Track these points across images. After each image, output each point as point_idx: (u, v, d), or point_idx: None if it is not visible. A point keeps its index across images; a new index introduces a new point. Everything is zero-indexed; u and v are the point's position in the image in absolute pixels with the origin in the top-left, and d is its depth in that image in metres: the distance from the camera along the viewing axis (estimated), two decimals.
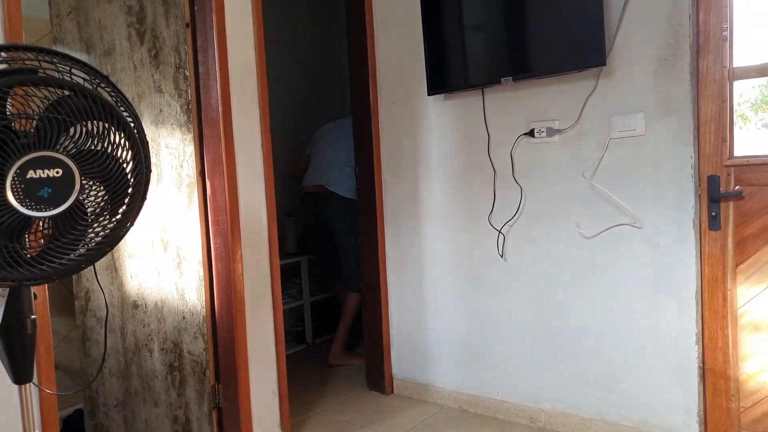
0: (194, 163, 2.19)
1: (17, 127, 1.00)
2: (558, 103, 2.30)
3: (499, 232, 2.48)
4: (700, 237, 2.00)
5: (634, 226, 2.14)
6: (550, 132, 2.31)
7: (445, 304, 2.70)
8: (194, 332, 2.25)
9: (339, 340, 3.40)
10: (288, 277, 3.70)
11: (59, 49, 2.35)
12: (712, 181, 1.94)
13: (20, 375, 1.16)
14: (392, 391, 2.92)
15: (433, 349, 2.76)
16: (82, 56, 2.33)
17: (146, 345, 2.35)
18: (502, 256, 2.49)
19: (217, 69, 2.12)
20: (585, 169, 2.24)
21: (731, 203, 1.94)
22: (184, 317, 2.27)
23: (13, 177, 0.97)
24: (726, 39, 1.93)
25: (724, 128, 1.94)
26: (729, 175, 1.94)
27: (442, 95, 2.62)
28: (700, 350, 2.03)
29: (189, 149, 2.19)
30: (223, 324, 2.23)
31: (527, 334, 2.45)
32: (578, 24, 2.12)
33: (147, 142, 1.18)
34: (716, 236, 1.95)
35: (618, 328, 2.21)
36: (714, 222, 1.95)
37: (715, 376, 1.99)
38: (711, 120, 1.95)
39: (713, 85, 1.94)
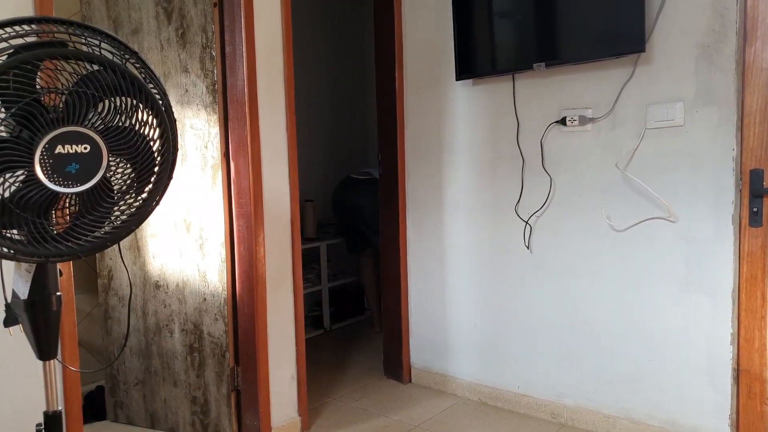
0: (219, 144, 2.16)
1: (46, 101, 0.98)
2: (592, 91, 2.23)
3: (526, 222, 2.43)
4: (739, 233, 1.93)
5: (668, 220, 2.07)
6: (583, 120, 2.24)
7: (466, 293, 2.66)
8: (215, 314, 2.24)
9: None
10: (307, 262, 3.69)
11: None
12: (755, 176, 1.86)
13: (45, 351, 1.15)
14: (410, 380, 2.89)
15: (453, 338, 2.72)
16: None
17: (167, 325, 2.35)
18: (528, 248, 2.43)
19: (244, 49, 2.08)
20: (618, 159, 2.17)
21: None
22: (205, 299, 2.26)
23: (42, 151, 0.95)
24: None
25: None
26: None
27: (470, 80, 2.56)
28: (735, 351, 1.96)
29: (214, 130, 2.16)
30: (243, 306, 2.22)
31: (551, 327, 2.40)
32: (616, 8, 2.04)
33: (174, 120, 1.16)
34: (757, 233, 1.88)
35: (647, 324, 2.15)
36: (755, 218, 1.87)
37: (751, 378, 1.93)
38: (756, 111, 1.87)
39: (760, 75, 1.86)
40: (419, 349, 2.86)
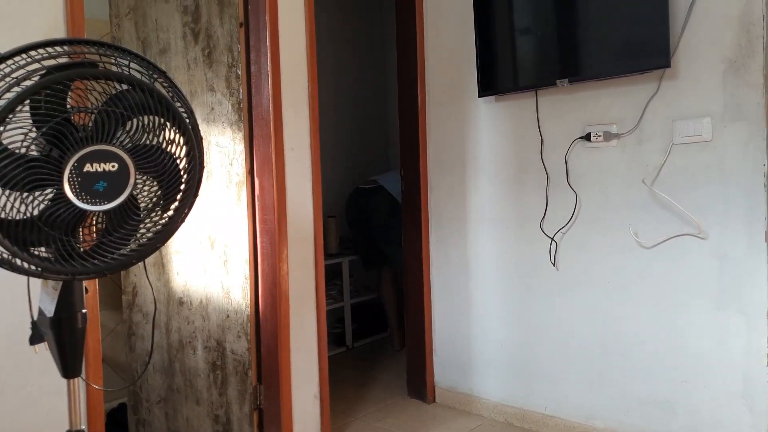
0: (244, 162, 2.18)
1: (76, 120, 1.00)
2: (617, 107, 2.20)
3: (552, 239, 2.39)
4: None
5: (698, 237, 2.02)
6: (608, 136, 2.21)
7: (491, 311, 2.62)
8: (238, 331, 2.24)
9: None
10: (329, 279, 3.69)
11: None
12: None
13: (69, 369, 1.16)
14: (434, 400, 2.85)
15: (478, 357, 2.68)
16: None
17: (190, 342, 2.36)
18: (554, 265, 2.39)
19: (269, 68, 2.11)
20: (645, 175, 2.13)
21: None
22: (228, 316, 2.27)
23: (71, 170, 0.97)
24: None
25: None
26: None
27: (492, 97, 2.55)
28: None
29: (239, 147, 2.19)
30: (266, 324, 2.22)
31: (579, 347, 2.34)
32: (640, 24, 2.02)
33: (201, 138, 1.17)
34: None
35: (679, 344, 2.09)
36: None
37: None
38: None
39: None
40: (444, 368, 2.82)
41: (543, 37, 2.33)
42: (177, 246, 2.38)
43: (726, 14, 1.93)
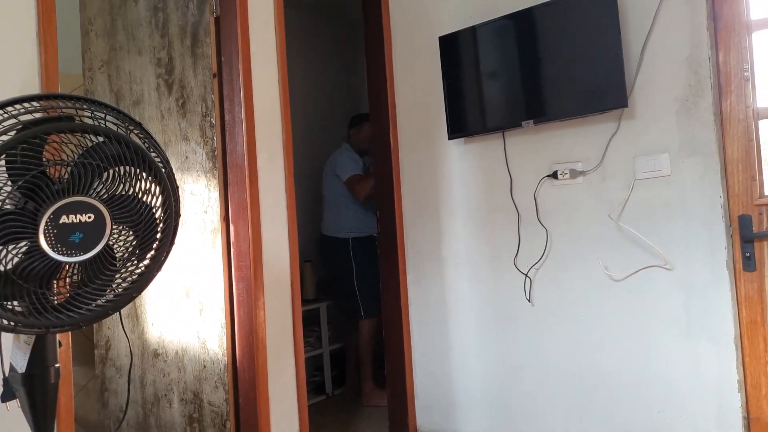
0: (218, 209, 2.20)
1: (52, 172, 1.01)
2: (580, 145, 2.29)
3: (526, 275, 2.43)
4: (735, 278, 1.94)
5: (665, 268, 2.09)
6: (574, 174, 2.29)
7: (471, 350, 2.63)
8: (215, 381, 2.21)
9: (367, 378, 3.41)
10: (307, 325, 3.64)
11: None
12: (744, 221, 1.90)
13: (41, 428, 1.13)
14: None
15: (460, 398, 2.67)
16: None
17: (165, 395, 2.31)
18: (529, 300, 2.43)
19: (243, 116, 2.15)
20: (611, 210, 2.21)
21: (766, 243, 1.88)
22: (204, 366, 2.23)
23: (47, 222, 0.97)
24: (748, 79, 1.92)
25: (753, 167, 1.91)
26: (761, 214, 1.90)
27: (462, 139, 2.63)
28: (743, 399, 1.93)
29: (213, 195, 2.20)
30: (244, 373, 2.18)
31: (559, 382, 2.36)
32: (598, 66, 2.14)
33: (177, 187, 1.19)
34: (752, 277, 1.89)
35: (654, 374, 2.12)
36: (749, 263, 1.89)
37: (761, 426, 1.89)
38: (738, 159, 1.92)
39: (738, 125, 1.93)
40: (426, 411, 2.79)
41: (508, 80, 2.43)
42: (151, 295, 2.35)
43: (675, 57, 2.06)
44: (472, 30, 2.49)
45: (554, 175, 2.34)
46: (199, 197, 2.23)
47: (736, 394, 1.94)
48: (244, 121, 2.15)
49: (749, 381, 1.92)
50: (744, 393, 1.93)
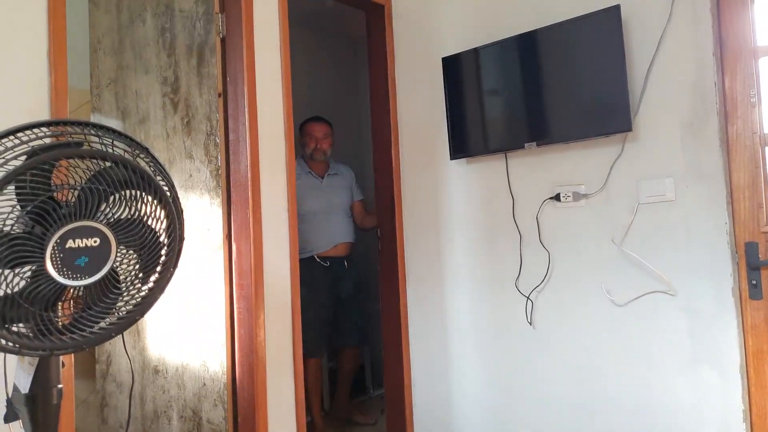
0: (221, 227, 2.20)
1: (59, 197, 1.02)
2: (583, 168, 2.30)
3: (527, 298, 2.43)
4: (741, 306, 1.93)
5: (669, 294, 2.08)
6: (577, 196, 2.30)
7: (470, 373, 2.61)
8: (214, 399, 2.20)
9: (344, 398, 3.41)
10: None
11: (97, 116, 2.44)
12: (750, 248, 1.89)
13: None
14: None
15: (461, 421, 2.65)
16: (118, 124, 2.41)
17: (165, 412, 2.30)
18: (530, 324, 2.42)
19: (247, 136, 2.17)
20: (614, 234, 2.21)
21: None
22: (204, 384, 2.22)
23: (53, 246, 0.98)
24: (755, 105, 1.93)
25: (760, 194, 1.91)
26: None
27: (464, 159, 2.64)
28: (748, 429, 1.91)
29: (216, 213, 2.21)
30: (243, 392, 2.18)
31: (559, 406, 2.34)
32: (602, 90, 2.15)
33: (182, 211, 1.19)
34: (758, 306, 1.88)
35: (656, 402, 2.10)
36: (755, 291, 1.88)
37: None
38: (745, 186, 1.93)
39: (744, 151, 1.93)
40: None
41: (511, 102, 2.44)
42: (153, 312, 2.35)
43: (681, 81, 2.06)
44: (475, 51, 2.51)
45: (557, 198, 2.34)
46: (202, 215, 2.24)
47: (741, 425, 1.93)
48: (248, 141, 2.16)
49: (755, 411, 1.90)
50: (749, 424, 1.91)
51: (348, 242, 3.33)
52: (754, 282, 1.88)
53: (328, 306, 3.22)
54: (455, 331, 2.67)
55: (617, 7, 2.09)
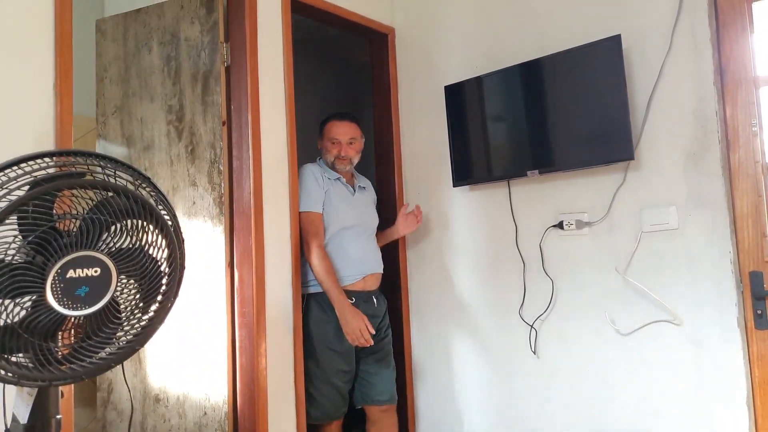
0: (224, 254, 2.20)
1: (61, 226, 1.02)
2: (586, 196, 2.29)
3: (531, 326, 2.40)
4: (746, 336, 1.91)
5: (674, 323, 2.05)
6: (580, 224, 2.29)
7: (474, 402, 2.58)
8: (215, 429, 2.17)
9: None
10: None
11: (102, 143, 2.46)
12: (755, 278, 1.88)
13: None
14: None
15: None
16: (123, 151, 2.43)
17: None
18: (534, 353, 2.39)
19: (251, 164, 2.18)
20: (618, 263, 2.19)
21: None
22: (205, 413, 2.20)
23: (54, 276, 0.98)
24: (756, 134, 1.93)
25: (763, 223, 1.90)
26: None
27: (467, 186, 2.64)
28: None
29: (219, 240, 2.21)
30: (244, 421, 2.15)
31: None
32: (604, 118, 2.15)
33: (183, 240, 1.20)
34: (764, 336, 1.86)
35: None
36: (761, 321, 1.86)
37: None
38: (748, 215, 1.92)
39: (747, 180, 1.93)
40: None
41: (513, 130, 2.46)
42: (154, 340, 2.33)
43: (682, 110, 2.06)
44: (478, 80, 2.53)
45: (560, 225, 2.34)
46: (204, 242, 2.24)
47: None
48: (251, 169, 2.18)
49: None
50: None
51: (379, 273, 2.52)
52: (759, 312, 1.86)
53: (353, 354, 2.39)
54: (459, 360, 2.64)
55: (618, 37, 2.11)
